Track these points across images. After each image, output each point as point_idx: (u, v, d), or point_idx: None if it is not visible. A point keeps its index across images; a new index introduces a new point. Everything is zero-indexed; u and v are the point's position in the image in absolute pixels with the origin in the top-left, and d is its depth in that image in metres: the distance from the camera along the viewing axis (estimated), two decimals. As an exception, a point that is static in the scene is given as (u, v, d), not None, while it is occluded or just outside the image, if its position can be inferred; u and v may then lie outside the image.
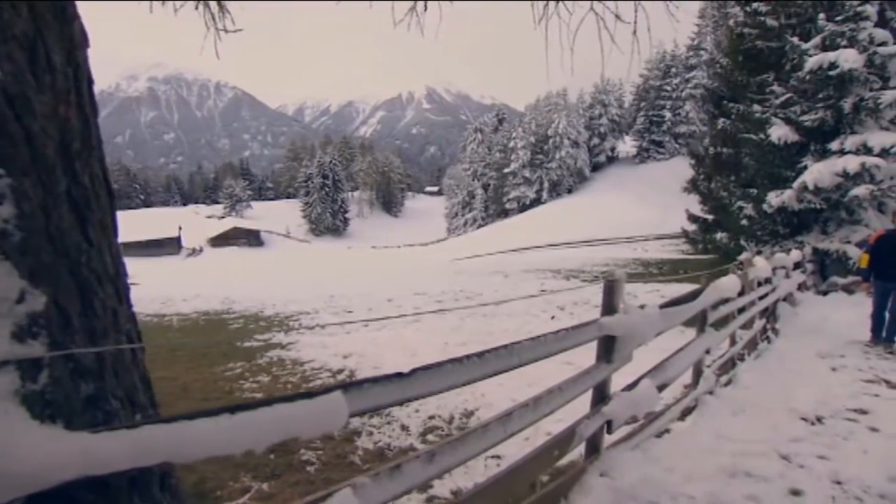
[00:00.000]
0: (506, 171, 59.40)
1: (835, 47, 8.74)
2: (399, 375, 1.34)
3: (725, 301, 4.49)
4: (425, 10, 3.89)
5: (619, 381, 3.16)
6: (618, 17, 3.22)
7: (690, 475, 2.82)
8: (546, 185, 56.36)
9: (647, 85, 56.92)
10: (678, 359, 3.46)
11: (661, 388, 3.19)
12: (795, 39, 9.76)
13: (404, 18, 3.46)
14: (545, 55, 3.34)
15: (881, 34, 8.67)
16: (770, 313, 7.06)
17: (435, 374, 1.43)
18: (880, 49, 8.45)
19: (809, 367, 5.48)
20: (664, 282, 14.77)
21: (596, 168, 59.40)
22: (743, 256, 6.54)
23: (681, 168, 30.25)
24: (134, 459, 0.90)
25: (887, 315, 5.92)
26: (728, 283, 4.10)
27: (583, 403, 2.76)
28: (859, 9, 8.78)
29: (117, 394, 1.20)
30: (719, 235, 12.31)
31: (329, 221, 77.64)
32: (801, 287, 9.00)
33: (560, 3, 3.29)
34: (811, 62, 8.85)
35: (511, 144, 59.47)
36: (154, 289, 21.51)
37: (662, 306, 2.80)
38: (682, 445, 3.27)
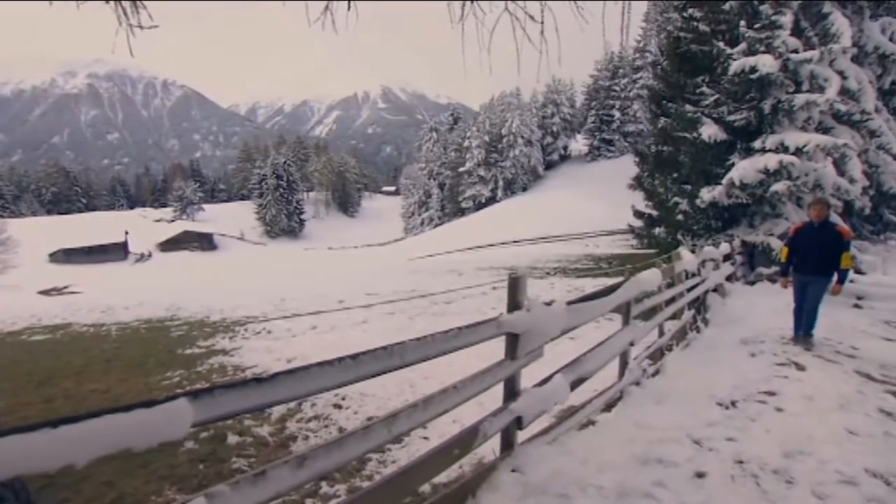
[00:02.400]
0: (461, 169, 59.80)
1: (755, 53, 9.26)
2: (257, 381, 1.31)
3: (648, 294, 4.66)
4: (349, 9, 3.85)
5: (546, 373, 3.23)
6: (531, 17, 3.28)
7: (603, 465, 2.91)
8: (501, 183, 57.09)
9: (597, 85, 58.51)
10: (599, 352, 3.56)
11: (579, 381, 3.27)
12: (721, 44, 10.28)
13: (319, 18, 3.41)
14: (462, 55, 3.39)
15: (793, 42, 9.25)
16: (700, 304, 7.38)
17: (301, 377, 1.41)
18: (792, 56, 9.02)
19: (732, 354, 5.76)
20: (613, 276, 15.24)
21: (549, 166, 60.65)
22: (677, 251, 6.79)
23: (630, 165, 31.20)
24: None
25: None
26: (649, 277, 4.25)
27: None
28: (774, 18, 9.33)
29: None
30: (657, 230, 12.79)
31: (284, 223, 75.96)
32: (732, 278, 9.46)
33: (475, 3, 3.33)
34: (735, 66, 9.35)
35: (466, 143, 59.91)
36: (95, 297, 20.54)
37: (571, 302, 2.87)
38: (600, 436, 3.38)
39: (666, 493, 2.69)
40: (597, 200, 41.83)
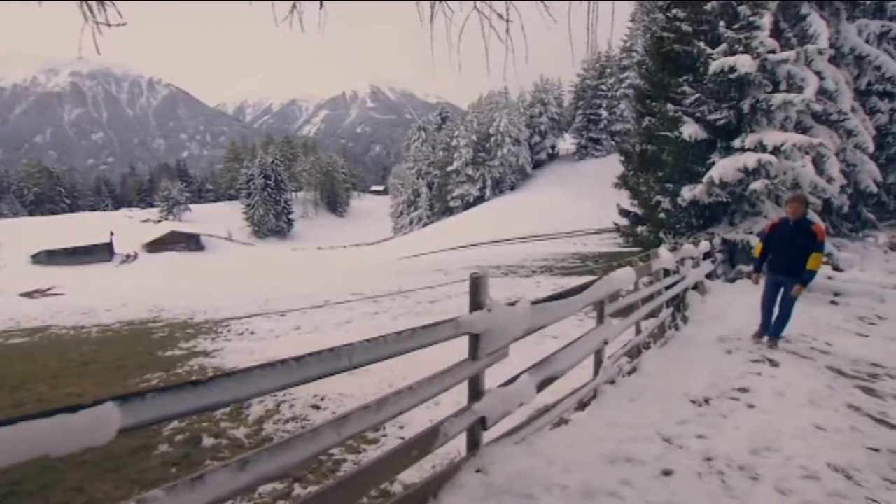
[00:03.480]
0: (449, 169, 59.84)
1: (734, 53, 9.36)
2: (194, 384, 1.29)
3: (624, 293, 4.68)
4: (320, 7, 3.82)
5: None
6: (500, 15, 3.29)
7: (571, 465, 2.91)
8: (489, 182, 57.21)
9: (584, 84, 58.83)
10: (569, 351, 3.57)
11: (549, 381, 3.27)
12: (702, 44, 10.38)
13: (287, 17, 3.39)
14: (431, 54, 3.39)
15: (771, 42, 9.36)
16: (679, 301, 7.43)
17: (240, 380, 1.39)
18: (770, 56, 9.12)
19: (708, 351, 5.79)
20: (598, 274, 15.33)
21: (537, 165, 60.90)
22: (655, 249, 6.81)
23: (617, 164, 31.42)
24: None
25: (776, 309, 5.69)
26: (622, 276, 4.27)
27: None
28: (751, 19, 9.45)
29: None
30: (640, 229, 12.88)
31: (273, 223, 75.45)
32: (712, 275, 9.54)
33: (444, 2, 3.33)
34: (714, 66, 9.44)
35: (454, 143, 59.92)
36: (78, 299, 20.26)
37: (535, 302, 2.87)
38: (570, 436, 3.38)
39: (631, 492, 2.70)
40: (584, 199, 42.07)
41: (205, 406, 1.33)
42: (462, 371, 2.38)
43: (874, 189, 11.90)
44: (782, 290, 5.57)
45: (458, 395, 2.96)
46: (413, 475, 3.36)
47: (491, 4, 3.29)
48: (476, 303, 2.40)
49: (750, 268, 9.40)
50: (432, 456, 3.33)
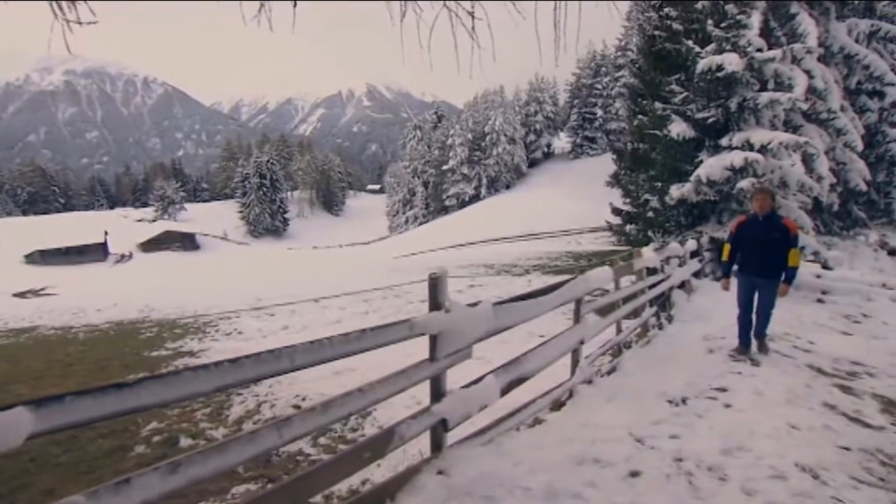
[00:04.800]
0: (445, 167, 59.78)
1: (723, 52, 9.38)
2: (118, 386, 1.27)
3: (602, 292, 4.67)
4: (294, 5, 3.81)
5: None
6: (470, 13, 3.28)
7: (537, 466, 2.88)
8: (484, 181, 57.20)
9: (579, 83, 58.88)
10: (540, 351, 3.55)
11: (518, 382, 3.25)
12: (690, 43, 10.39)
13: (256, 16, 3.37)
14: (402, 52, 3.39)
15: (757, 41, 9.36)
16: (664, 300, 7.42)
17: (169, 382, 1.36)
18: (757, 55, 9.13)
19: (691, 350, 5.76)
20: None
21: (532, 164, 60.91)
22: (638, 248, 6.79)
23: (611, 163, 31.45)
24: None
25: (754, 316, 5.29)
26: (598, 275, 4.25)
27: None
28: (738, 17, 9.47)
29: None
30: (629, 227, 12.89)
31: (268, 222, 75.30)
32: (700, 274, 9.54)
33: (415, 1, 3.32)
34: (702, 64, 9.44)
35: (450, 142, 59.86)
36: (70, 299, 20.16)
37: (499, 302, 2.84)
38: (540, 436, 3.36)
39: (595, 494, 2.67)
40: (579, 198, 42.08)
41: (130, 409, 1.30)
42: (419, 373, 2.36)
43: (864, 187, 11.93)
44: (758, 292, 5.21)
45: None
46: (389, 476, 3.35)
47: (460, 3, 3.29)
48: (434, 303, 2.38)
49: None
50: (403, 455, 3.33)
